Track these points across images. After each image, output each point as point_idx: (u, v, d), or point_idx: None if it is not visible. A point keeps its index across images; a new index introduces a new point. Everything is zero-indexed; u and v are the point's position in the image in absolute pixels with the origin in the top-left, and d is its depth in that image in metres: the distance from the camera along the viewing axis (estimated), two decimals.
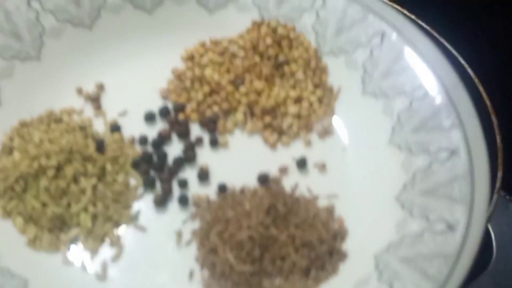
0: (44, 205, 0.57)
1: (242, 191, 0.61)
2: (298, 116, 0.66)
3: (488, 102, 0.65)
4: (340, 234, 0.58)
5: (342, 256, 0.57)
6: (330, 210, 0.60)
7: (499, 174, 0.60)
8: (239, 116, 0.65)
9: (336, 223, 0.59)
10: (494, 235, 0.66)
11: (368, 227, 0.58)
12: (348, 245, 0.57)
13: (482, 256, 0.62)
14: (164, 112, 0.66)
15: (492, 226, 0.67)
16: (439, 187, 0.56)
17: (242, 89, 0.66)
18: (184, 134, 0.64)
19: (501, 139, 0.62)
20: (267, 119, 0.65)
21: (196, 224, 0.59)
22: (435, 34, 0.68)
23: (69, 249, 0.57)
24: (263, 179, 0.61)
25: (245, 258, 0.55)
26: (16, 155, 0.58)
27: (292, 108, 0.66)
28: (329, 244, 0.57)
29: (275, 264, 0.56)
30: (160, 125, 0.66)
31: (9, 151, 0.60)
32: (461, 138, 0.57)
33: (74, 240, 0.57)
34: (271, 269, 0.56)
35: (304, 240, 0.56)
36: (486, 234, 0.62)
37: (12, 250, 0.55)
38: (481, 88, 0.66)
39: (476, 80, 0.67)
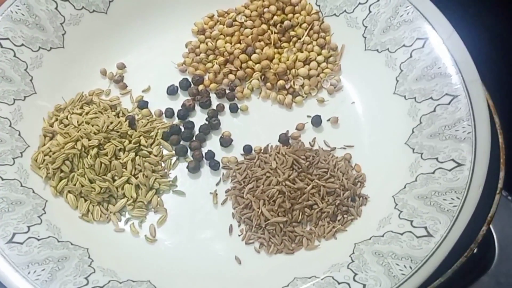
0: (91, 181, 0.63)
1: (266, 150, 0.67)
2: (308, 77, 0.71)
3: (490, 102, 0.66)
4: (359, 180, 0.64)
5: (363, 200, 0.63)
6: (347, 159, 0.66)
7: (501, 174, 0.62)
8: (255, 82, 0.71)
9: (354, 170, 0.65)
10: (496, 236, 0.69)
11: (383, 172, 0.64)
12: (368, 190, 0.64)
13: (484, 256, 0.67)
14: (185, 85, 0.71)
15: (494, 227, 0.69)
16: (444, 129, 0.62)
17: (254, 56, 0.71)
18: (206, 103, 0.70)
19: (503, 139, 0.64)
20: (280, 82, 0.71)
21: (228, 185, 0.65)
22: None
23: (119, 219, 0.63)
24: (284, 138, 0.67)
25: (277, 210, 0.62)
26: (59, 138, 0.63)
27: (302, 70, 0.71)
28: (351, 190, 0.63)
29: (305, 213, 0.62)
30: (183, 98, 0.71)
31: (51, 135, 0.65)
32: (460, 82, 0.63)
33: (122, 210, 0.63)
34: (302, 217, 0.62)
35: (328, 189, 0.63)
36: (488, 234, 0.66)
37: (70, 225, 0.61)
38: (483, 88, 0.66)
39: None
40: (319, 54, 0.72)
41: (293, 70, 0.71)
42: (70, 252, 0.58)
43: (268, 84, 0.71)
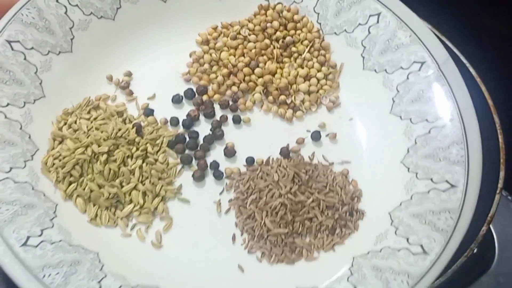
0: (100, 186, 0.64)
1: (268, 162, 0.70)
2: (308, 93, 0.74)
3: (490, 102, 0.68)
4: (356, 195, 0.68)
5: (360, 214, 0.66)
6: (344, 174, 0.69)
7: (501, 174, 0.64)
8: (257, 96, 0.73)
9: (351, 186, 0.69)
10: (496, 236, 0.70)
11: (380, 188, 0.67)
12: (365, 206, 0.67)
13: (484, 256, 0.67)
14: (189, 95, 0.73)
15: (494, 227, 0.70)
16: (438, 151, 0.65)
17: (257, 70, 0.74)
18: (210, 114, 0.72)
19: (503, 139, 0.65)
20: (282, 97, 0.73)
21: (231, 194, 0.68)
22: (438, 34, 0.72)
23: (126, 224, 0.65)
24: (285, 152, 0.70)
25: (279, 221, 0.65)
26: (69, 143, 0.65)
27: (303, 86, 0.74)
28: (348, 205, 0.66)
29: (305, 225, 0.65)
30: (187, 107, 0.73)
31: (60, 139, 0.66)
32: (454, 108, 0.67)
33: (129, 216, 0.65)
34: (302, 229, 0.65)
35: (327, 203, 0.66)
36: (488, 234, 0.67)
37: (79, 229, 0.62)
38: (483, 88, 0.70)
39: (478, 80, 0.70)
40: (319, 71, 0.75)
41: (294, 86, 0.74)
42: (82, 256, 0.59)
43: (270, 98, 0.74)
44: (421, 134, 0.68)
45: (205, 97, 0.74)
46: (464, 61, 0.73)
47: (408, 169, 0.67)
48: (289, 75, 0.74)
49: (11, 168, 0.61)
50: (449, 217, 0.61)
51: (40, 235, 0.59)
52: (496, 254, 0.70)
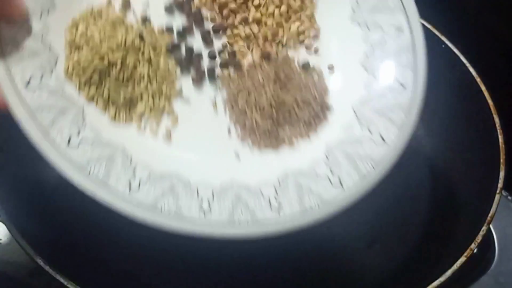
0: (116, 90, 0.75)
1: (252, 66, 0.83)
2: (296, 33, 0.86)
3: (490, 102, 0.71)
4: (325, 93, 0.83)
5: (329, 107, 0.81)
6: (318, 76, 0.84)
7: (501, 174, 0.65)
8: (242, 47, 0.84)
9: (321, 85, 0.84)
10: (496, 236, 0.71)
11: (344, 88, 0.82)
12: (333, 102, 0.82)
13: (484, 256, 0.71)
14: (180, 4, 0.83)
15: (494, 227, 0.71)
16: (391, 56, 0.81)
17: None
18: (199, 22, 0.83)
19: (503, 139, 0.67)
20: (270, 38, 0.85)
21: (224, 94, 0.81)
22: (437, 33, 0.76)
23: (140, 120, 0.77)
24: (267, 55, 0.83)
25: (265, 116, 0.79)
26: (86, 52, 0.74)
27: (293, 27, 0.85)
28: (320, 100, 0.81)
29: (286, 119, 0.80)
30: (179, 17, 0.83)
31: (76, 47, 0.76)
32: (405, 20, 0.82)
33: (142, 114, 0.77)
34: (283, 122, 0.80)
35: (303, 99, 0.81)
36: (488, 234, 0.70)
37: (104, 127, 0.73)
38: (483, 87, 0.73)
39: (478, 79, 0.74)
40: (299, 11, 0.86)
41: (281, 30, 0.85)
42: (114, 150, 0.71)
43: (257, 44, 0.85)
44: (376, 40, 0.82)
45: (194, 7, 0.84)
46: (464, 61, 0.78)
47: (367, 70, 0.82)
48: (273, 15, 0.84)
49: (42, 76, 0.71)
50: (401, 113, 0.77)
51: (78, 135, 0.69)
52: (496, 254, 0.72)
